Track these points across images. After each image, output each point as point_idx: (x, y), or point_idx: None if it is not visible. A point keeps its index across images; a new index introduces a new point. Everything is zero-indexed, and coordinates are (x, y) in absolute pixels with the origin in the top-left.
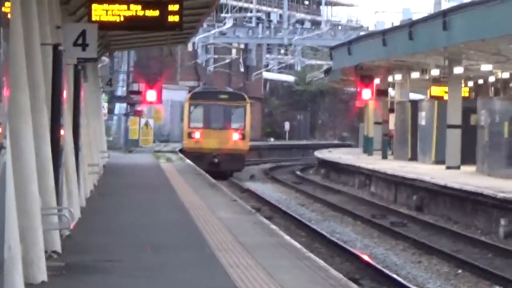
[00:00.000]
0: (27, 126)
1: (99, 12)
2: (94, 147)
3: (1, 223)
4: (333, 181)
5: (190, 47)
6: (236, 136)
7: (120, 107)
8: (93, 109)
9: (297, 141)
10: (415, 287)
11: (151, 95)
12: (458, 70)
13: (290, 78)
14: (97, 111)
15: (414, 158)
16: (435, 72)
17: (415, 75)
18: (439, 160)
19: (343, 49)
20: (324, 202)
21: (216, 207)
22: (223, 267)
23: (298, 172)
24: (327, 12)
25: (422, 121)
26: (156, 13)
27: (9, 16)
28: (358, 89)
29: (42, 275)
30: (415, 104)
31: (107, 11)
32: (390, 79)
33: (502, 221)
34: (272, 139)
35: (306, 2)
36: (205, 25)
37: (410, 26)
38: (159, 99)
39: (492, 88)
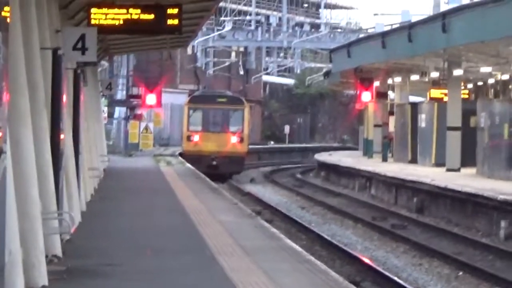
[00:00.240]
0: (27, 130)
1: (98, 16)
2: (94, 151)
3: (1, 227)
4: (334, 184)
5: (189, 51)
6: (234, 139)
7: (120, 111)
8: (93, 113)
9: (297, 144)
10: None
11: (150, 98)
12: (457, 72)
13: (289, 81)
14: (97, 115)
15: (414, 160)
16: (434, 74)
17: (414, 77)
18: (439, 162)
19: (342, 51)
20: (324, 205)
21: (216, 210)
22: (223, 270)
23: (298, 175)
24: (326, 15)
25: (422, 124)
26: (155, 16)
27: (8, 20)
28: (358, 92)
29: (42, 279)
30: (415, 106)
31: (106, 15)
32: (389, 81)
33: (503, 223)
34: (272, 142)
35: (306, 5)
36: (204, 28)
37: (409, 29)
38: (159, 103)
39: (492, 90)
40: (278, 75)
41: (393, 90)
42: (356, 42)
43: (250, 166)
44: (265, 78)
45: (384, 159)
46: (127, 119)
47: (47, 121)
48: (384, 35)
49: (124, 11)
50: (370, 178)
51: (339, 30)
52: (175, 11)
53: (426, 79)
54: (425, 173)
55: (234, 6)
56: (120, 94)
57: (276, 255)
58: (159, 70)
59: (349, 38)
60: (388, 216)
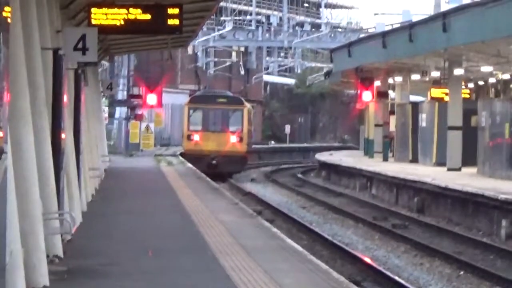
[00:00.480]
0: (28, 130)
1: (98, 16)
2: (95, 151)
3: (2, 227)
4: (334, 184)
5: (190, 51)
6: (234, 138)
7: (120, 111)
8: (94, 113)
9: (298, 144)
10: None
11: (151, 99)
12: (458, 71)
13: (290, 80)
14: (97, 115)
15: (415, 160)
16: (435, 73)
17: (415, 77)
18: (440, 162)
19: (343, 51)
20: (325, 204)
21: (217, 210)
22: (224, 270)
23: (299, 175)
24: (327, 15)
25: (423, 123)
26: (155, 16)
27: (9, 20)
28: (359, 91)
29: (44, 279)
30: (415, 106)
31: (106, 15)
32: (390, 81)
33: (504, 223)
34: (272, 142)
35: (306, 5)
36: (205, 28)
37: (410, 28)
38: (160, 103)
39: (493, 90)
40: (279, 75)
41: (393, 89)
42: (356, 42)
43: (251, 166)
44: (266, 78)
45: (385, 158)
46: (128, 119)
47: (48, 121)
48: (384, 34)
49: (125, 11)
50: (371, 177)
51: (339, 29)
52: (175, 11)
53: (427, 79)
54: (426, 172)
55: (234, 6)
56: (121, 94)
57: (277, 255)
58: (159, 70)
59: (349, 38)
60: (389, 216)
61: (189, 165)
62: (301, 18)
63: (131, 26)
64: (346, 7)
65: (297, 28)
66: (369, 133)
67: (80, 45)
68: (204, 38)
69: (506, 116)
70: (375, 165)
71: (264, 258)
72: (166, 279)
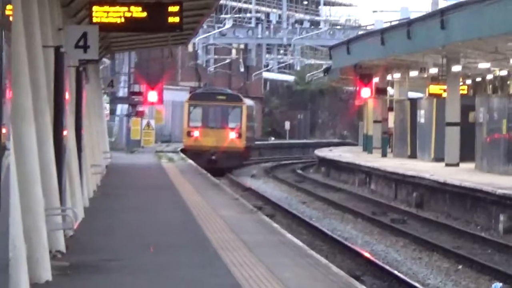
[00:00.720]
0: (30, 127)
1: (99, 14)
2: (96, 148)
3: (6, 223)
4: (334, 179)
5: (190, 48)
6: (233, 134)
7: (121, 108)
8: (95, 110)
9: (297, 140)
10: (416, 283)
11: (152, 96)
12: (456, 68)
13: (290, 77)
14: (99, 112)
15: (413, 155)
16: (433, 70)
17: (413, 73)
18: (438, 158)
19: (342, 48)
20: (325, 200)
21: (218, 206)
22: (226, 265)
23: (299, 171)
24: (326, 12)
25: (421, 119)
26: (156, 14)
27: (11, 18)
28: (358, 88)
29: (46, 274)
30: (414, 102)
31: (107, 12)
32: (389, 77)
33: (501, 217)
34: (272, 138)
35: (305, 2)
36: (205, 26)
37: (408, 25)
38: (160, 100)
39: (490, 86)
40: (279, 72)
41: (392, 86)
42: (355, 39)
43: (251, 162)
44: (266, 75)
45: (384, 154)
46: (129, 116)
47: (50, 118)
48: (383, 32)
49: (126, 9)
50: (370, 173)
51: (338, 27)
52: (176, 8)
53: (425, 75)
54: (424, 168)
55: (234, 3)
56: (122, 91)
57: (278, 250)
58: (160, 68)
59: (348, 35)
60: (388, 211)
61: (190, 161)
62: (300, 15)
63: (131, 24)
64: (345, 5)
65: (296, 25)
66: (368, 129)
67: (81, 43)
68: (204, 35)
69: (504, 112)
70: (374, 160)
71: (265, 253)
72: (168, 275)
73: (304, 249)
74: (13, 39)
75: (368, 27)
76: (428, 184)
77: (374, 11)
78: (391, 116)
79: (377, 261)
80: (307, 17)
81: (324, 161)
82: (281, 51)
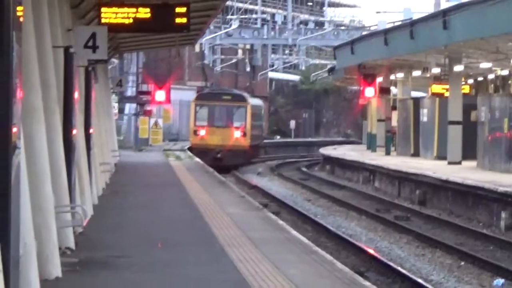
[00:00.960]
0: (40, 126)
1: (108, 15)
2: (105, 146)
3: (16, 220)
4: (338, 177)
5: (197, 48)
6: (237, 133)
7: (130, 107)
8: (104, 109)
9: (302, 139)
10: (419, 279)
11: (160, 95)
12: (458, 68)
13: (295, 77)
14: (108, 111)
15: (416, 154)
16: (436, 70)
17: (416, 73)
18: (441, 156)
19: (346, 48)
20: (329, 197)
21: (224, 203)
22: (232, 261)
23: (304, 169)
24: (330, 13)
25: (424, 118)
26: (163, 15)
27: (21, 19)
28: (361, 88)
29: (56, 270)
30: (417, 101)
31: (116, 13)
32: (392, 77)
33: (503, 214)
34: (278, 137)
35: (310, 4)
36: (211, 26)
37: (411, 26)
38: (168, 99)
39: (492, 85)
40: (284, 72)
41: (395, 85)
42: (359, 39)
43: (257, 160)
44: (271, 74)
45: (387, 152)
46: (137, 115)
47: (60, 117)
48: (386, 32)
49: (134, 10)
50: (374, 171)
51: (342, 27)
52: (183, 10)
53: (428, 75)
54: (427, 166)
55: (240, 4)
56: (130, 91)
57: (283, 247)
58: (167, 67)
59: (352, 36)
60: (391, 208)
61: (197, 159)
62: (305, 16)
63: (139, 25)
64: (348, 6)
65: (301, 26)
66: (372, 128)
67: (90, 43)
68: (211, 36)
69: (505, 111)
70: (378, 159)
71: (271, 250)
72: (176, 271)
73: (309, 246)
74: (24, 39)
75: (372, 28)
76: (431, 182)
77: (377, 12)
78: (394, 115)
79: (381, 258)
80: (312, 18)
81: (328, 159)
82: (286, 51)
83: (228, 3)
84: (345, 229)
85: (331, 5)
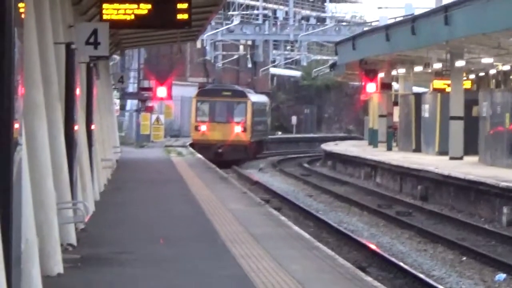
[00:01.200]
0: (42, 122)
1: (110, 11)
2: (107, 142)
3: (18, 217)
4: (340, 173)
5: (199, 45)
6: (238, 129)
7: (131, 104)
8: (106, 105)
9: (304, 134)
10: (421, 274)
11: (161, 91)
12: (459, 63)
13: (296, 73)
14: (109, 108)
15: (418, 149)
16: (437, 65)
17: (418, 68)
18: (443, 151)
19: (347, 44)
20: (331, 193)
21: (226, 199)
22: (234, 257)
23: (305, 165)
24: (331, 9)
25: (426, 113)
26: (165, 11)
27: (23, 16)
28: (363, 83)
29: (58, 267)
30: (418, 97)
31: (117, 10)
32: (393, 73)
33: (505, 209)
34: (279, 133)
35: None
36: (213, 22)
37: (412, 21)
38: (169, 95)
39: (493, 80)
40: (285, 68)
41: (397, 81)
42: (360, 35)
43: (259, 156)
44: (273, 70)
45: (389, 148)
46: (138, 111)
47: (61, 113)
48: (388, 28)
49: (135, 6)
50: (376, 166)
51: (344, 23)
52: (184, 6)
53: (429, 70)
54: (429, 161)
55: (242, 0)
56: (132, 87)
57: (285, 242)
58: (169, 64)
59: (354, 31)
60: (393, 204)
61: (199, 155)
62: (307, 12)
63: (141, 21)
64: (350, 1)
65: (302, 22)
66: (374, 123)
67: (92, 40)
68: (212, 32)
69: (507, 106)
70: (379, 154)
71: (272, 245)
72: (178, 267)
73: (311, 241)
74: (25, 36)
75: (373, 23)
76: (432, 177)
77: (379, 8)
78: (396, 111)
79: (382, 253)
80: (313, 13)
81: (330, 155)
82: (288, 47)
83: None
84: (346, 225)
85: (332, 0)
